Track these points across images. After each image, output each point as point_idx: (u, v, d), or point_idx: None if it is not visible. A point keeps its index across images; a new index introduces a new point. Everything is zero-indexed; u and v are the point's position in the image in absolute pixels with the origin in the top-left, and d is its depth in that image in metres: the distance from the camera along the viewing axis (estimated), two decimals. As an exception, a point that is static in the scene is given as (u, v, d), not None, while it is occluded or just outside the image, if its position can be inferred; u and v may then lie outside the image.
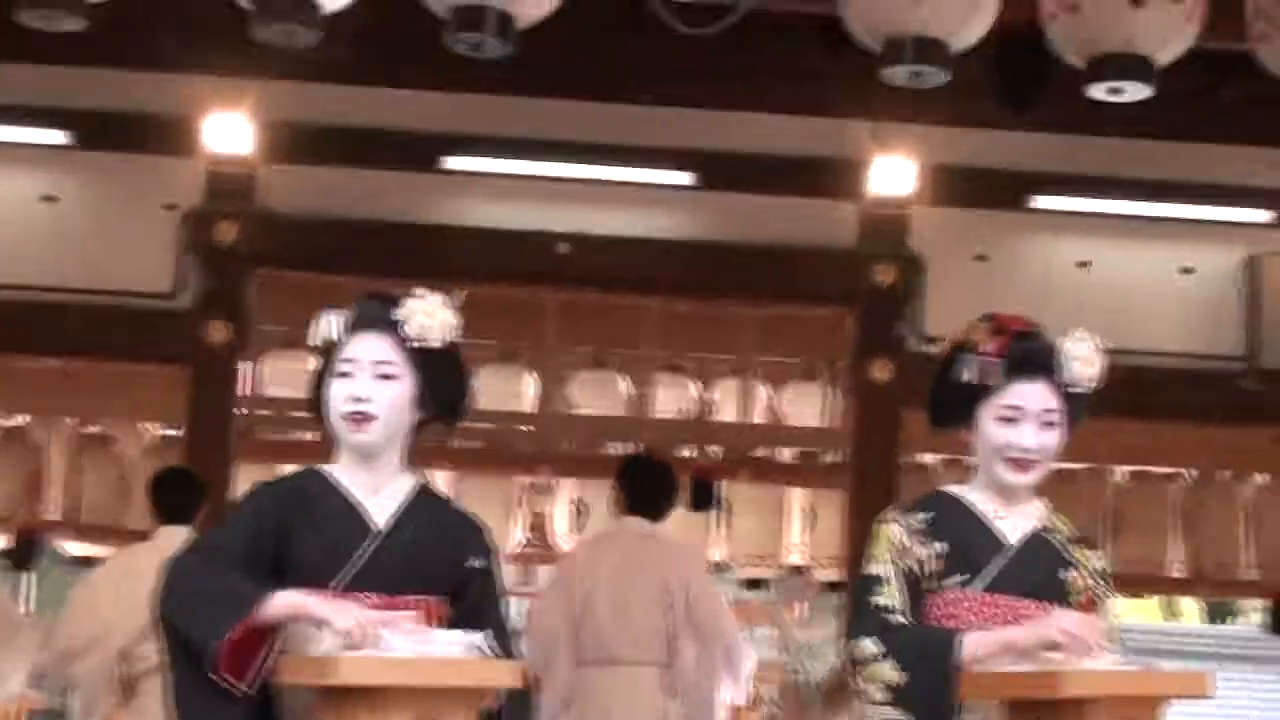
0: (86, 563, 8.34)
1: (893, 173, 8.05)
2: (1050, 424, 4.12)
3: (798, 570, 9.35)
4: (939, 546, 4.13)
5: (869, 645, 4.06)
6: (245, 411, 8.41)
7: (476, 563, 4.03)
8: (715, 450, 9.07)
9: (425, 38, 7.33)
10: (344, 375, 3.89)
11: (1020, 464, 4.12)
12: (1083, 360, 4.13)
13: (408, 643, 3.66)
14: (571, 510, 9.42)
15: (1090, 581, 4.21)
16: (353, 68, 7.60)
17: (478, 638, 3.71)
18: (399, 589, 3.88)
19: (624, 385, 9.07)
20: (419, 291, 3.91)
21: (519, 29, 5.75)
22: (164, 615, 3.88)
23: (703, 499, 8.74)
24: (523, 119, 7.94)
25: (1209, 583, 9.69)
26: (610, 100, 7.95)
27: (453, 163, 8.13)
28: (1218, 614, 19.92)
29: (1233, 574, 9.31)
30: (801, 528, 9.28)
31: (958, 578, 4.12)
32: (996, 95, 7.27)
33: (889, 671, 4.02)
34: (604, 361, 9.07)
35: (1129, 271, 8.48)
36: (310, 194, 8.16)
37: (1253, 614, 16.70)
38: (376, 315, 3.92)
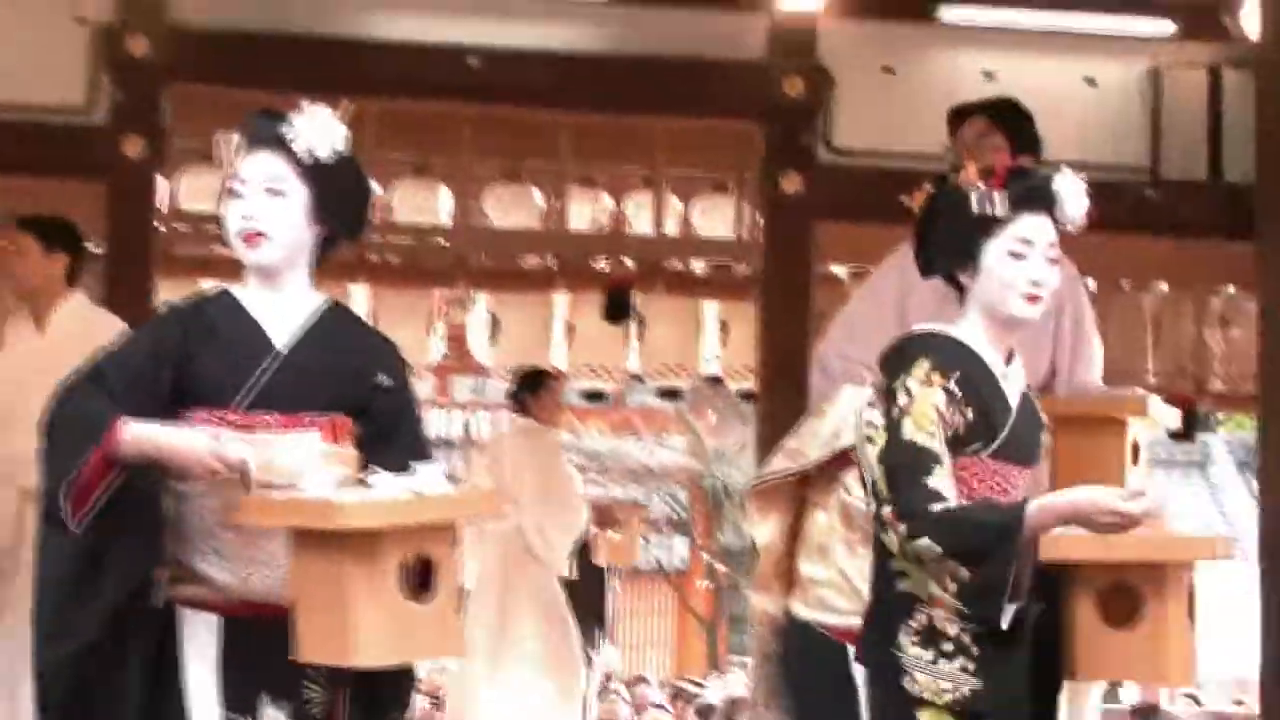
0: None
1: (801, -16, 8.14)
2: (1053, 260, 4.06)
3: (714, 380, 9.56)
4: (970, 413, 3.98)
5: (928, 545, 3.83)
6: (164, 227, 8.39)
7: (385, 380, 4.02)
8: (629, 262, 9.16)
9: None
10: (235, 195, 3.90)
11: (1033, 298, 4.03)
12: (1078, 198, 4.10)
13: (395, 481, 3.67)
14: (487, 322, 9.49)
15: (1049, 438, 4.24)
16: None
17: (439, 469, 3.76)
18: (299, 408, 3.89)
19: (538, 198, 9.02)
20: (306, 106, 3.90)
21: None
22: (42, 444, 3.90)
23: (618, 311, 8.91)
24: (432, -73, 7.92)
25: (1112, 386, 9.89)
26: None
27: (364, -26, 8.14)
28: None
29: (1139, 381, 8.95)
30: (715, 339, 9.36)
31: (977, 445, 4.01)
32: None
33: (960, 570, 3.84)
34: (518, 175, 8.90)
35: (1034, 83, 8.08)
36: (222, 6, 8.11)
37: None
38: (266, 133, 3.92)
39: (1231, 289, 8.82)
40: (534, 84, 8.35)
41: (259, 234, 3.88)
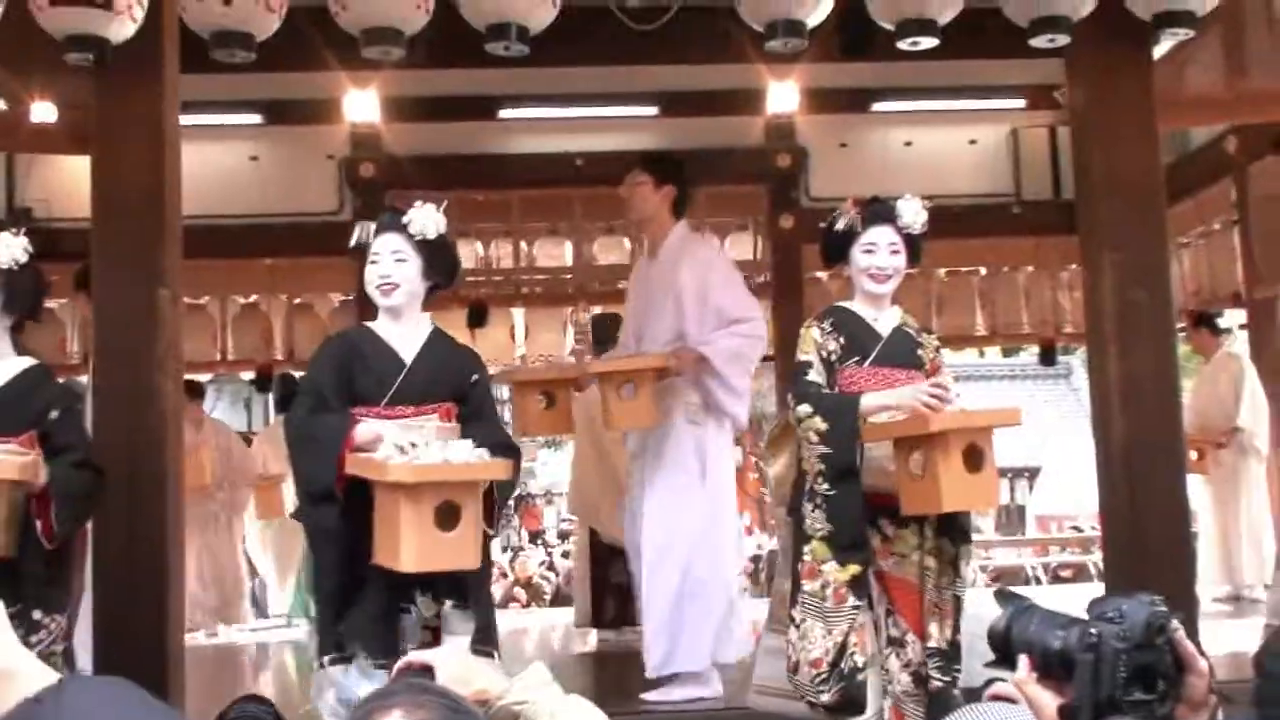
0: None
1: (783, 95, 8.30)
2: (895, 251, 4.39)
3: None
4: (841, 340, 4.35)
5: (805, 408, 4.25)
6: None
7: (475, 377, 4.15)
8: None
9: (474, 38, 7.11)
10: (374, 262, 4.06)
11: (877, 277, 4.40)
12: (912, 212, 4.40)
13: (437, 452, 3.77)
14: (598, 322, 9.22)
15: (933, 353, 4.50)
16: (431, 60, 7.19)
17: (478, 450, 3.82)
18: (423, 401, 4.03)
19: (626, 244, 9.17)
20: (418, 203, 4.07)
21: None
22: (292, 457, 4.02)
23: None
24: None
25: (1001, 336, 10.31)
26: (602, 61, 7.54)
27: (504, 113, 8.40)
28: (1008, 353, 21.28)
29: (1017, 330, 9.96)
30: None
31: (853, 359, 4.37)
32: (844, 47, 7.26)
33: (819, 423, 4.20)
34: (612, 230, 9.34)
35: (936, 145, 8.88)
36: (416, 140, 8.52)
37: (1030, 352, 17.25)
38: (392, 221, 4.06)
39: (1073, 266, 8.95)
40: (618, 172, 7.79)
41: (393, 285, 4.02)
